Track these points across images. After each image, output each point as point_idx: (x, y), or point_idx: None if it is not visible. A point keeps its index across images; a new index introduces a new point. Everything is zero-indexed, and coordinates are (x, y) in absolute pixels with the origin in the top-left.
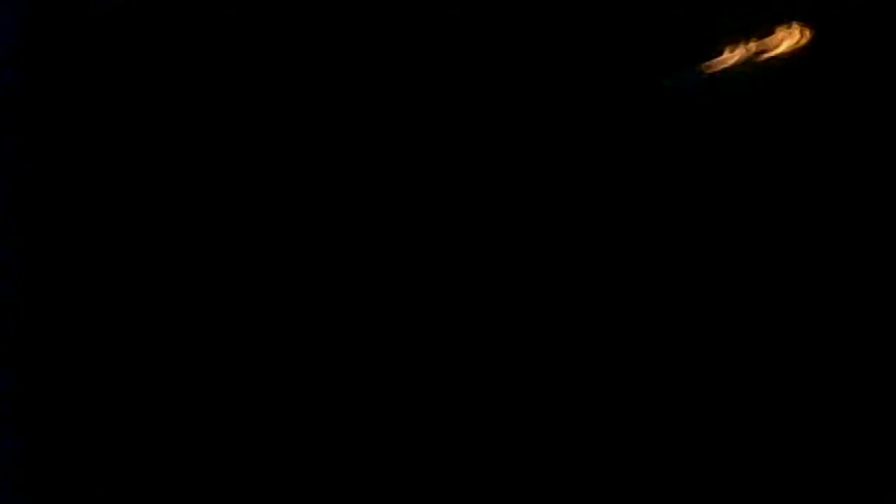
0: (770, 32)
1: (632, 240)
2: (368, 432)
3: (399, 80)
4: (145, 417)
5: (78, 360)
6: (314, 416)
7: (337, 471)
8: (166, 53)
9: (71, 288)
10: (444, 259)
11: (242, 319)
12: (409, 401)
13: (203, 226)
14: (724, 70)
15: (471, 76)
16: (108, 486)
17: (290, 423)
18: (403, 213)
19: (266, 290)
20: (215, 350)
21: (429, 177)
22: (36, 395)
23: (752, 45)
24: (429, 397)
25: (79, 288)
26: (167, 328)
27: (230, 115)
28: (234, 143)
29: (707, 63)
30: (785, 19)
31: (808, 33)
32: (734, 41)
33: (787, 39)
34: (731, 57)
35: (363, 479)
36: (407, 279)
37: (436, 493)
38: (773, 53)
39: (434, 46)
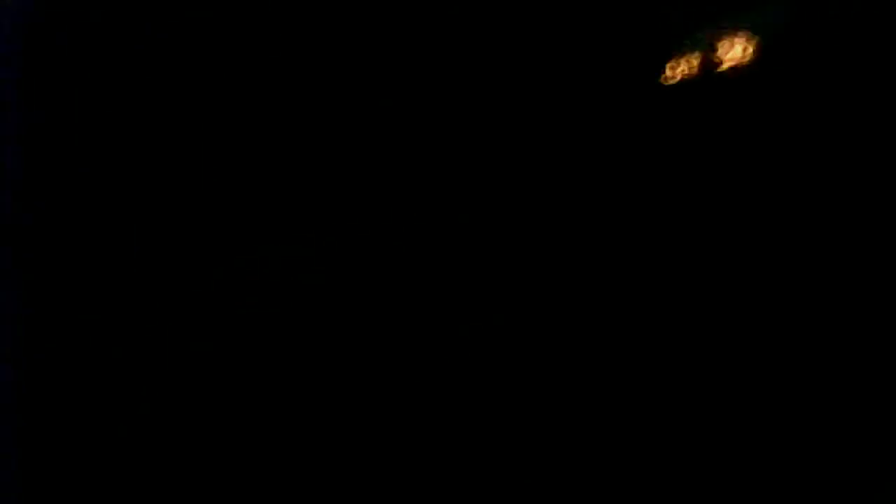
0: (713, 47)
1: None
2: (367, 433)
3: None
4: (145, 418)
5: (78, 361)
6: (313, 416)
7: (336, 471)
8: (165, 54)
9: (72, 289)
10: (439, 255)
11: (242, 321)
12: (407, 400)
13: (202, 226)
14: (669, 88)
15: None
16: (108, 487)
17: (289, 422)
18: (398, 208)
19: (263, 291)
20: (215, 350)
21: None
22: (35, 396)
23: (694, 62)
24: (429, 397)
25: (79, 289)
26: (166, 328)
27: (230, 118)
28: (235, 146)
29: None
30: (728, 32)
31: (752, 47)
32: (675, 58)
33: (731, 54)
34: (674, 75)
35: (362, 479)
36: (405, 278)
37: (435, 493)
38: (718, 69)
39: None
